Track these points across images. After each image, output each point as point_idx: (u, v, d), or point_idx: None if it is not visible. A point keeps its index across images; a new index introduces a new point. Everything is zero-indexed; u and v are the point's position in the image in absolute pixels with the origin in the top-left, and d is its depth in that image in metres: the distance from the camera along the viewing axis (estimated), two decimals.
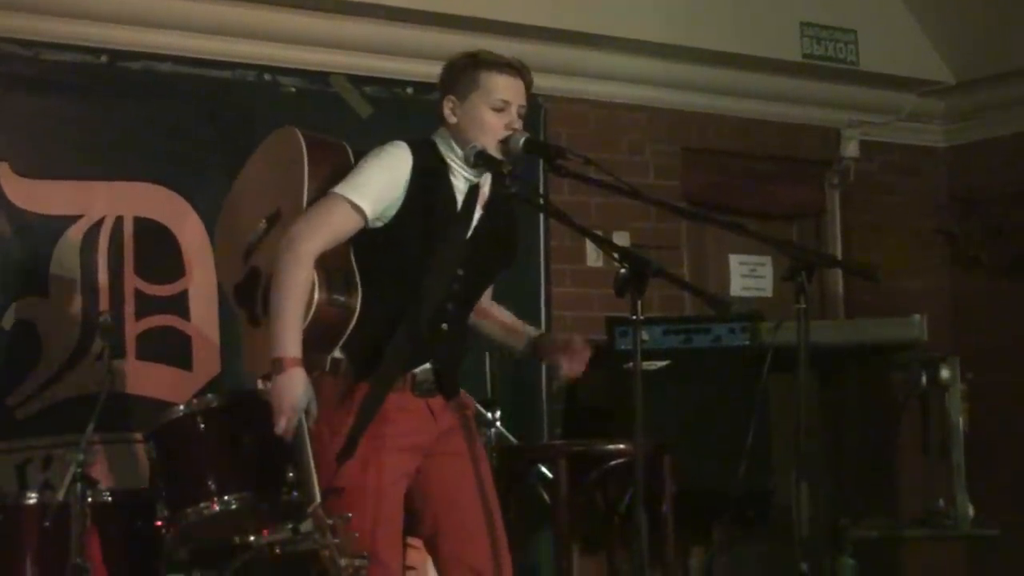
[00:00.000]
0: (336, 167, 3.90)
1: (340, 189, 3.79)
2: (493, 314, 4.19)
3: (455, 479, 3.98)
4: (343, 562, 3.46)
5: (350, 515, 3.54)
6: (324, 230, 3.77)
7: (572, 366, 4.04)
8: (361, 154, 3.93)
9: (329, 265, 3.79)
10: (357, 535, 3.52)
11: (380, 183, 3.81)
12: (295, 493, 4.40)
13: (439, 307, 3.86)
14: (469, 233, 3.91)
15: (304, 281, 3.73)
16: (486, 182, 3.96)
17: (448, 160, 3.90)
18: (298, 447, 3.70)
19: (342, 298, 3.80)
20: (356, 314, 3.80)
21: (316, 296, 3.75)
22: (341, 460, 3.70)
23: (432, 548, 4.03)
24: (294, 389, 3.68)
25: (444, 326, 3.90)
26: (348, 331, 3.80)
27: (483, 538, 3.97)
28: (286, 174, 3.97)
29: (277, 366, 3.69)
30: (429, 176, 3.84)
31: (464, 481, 3.99)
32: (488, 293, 4.19)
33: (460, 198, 3.90)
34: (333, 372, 3.83)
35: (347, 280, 3.82)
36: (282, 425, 3.70)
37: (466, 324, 4.06)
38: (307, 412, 3.71)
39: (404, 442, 3.85)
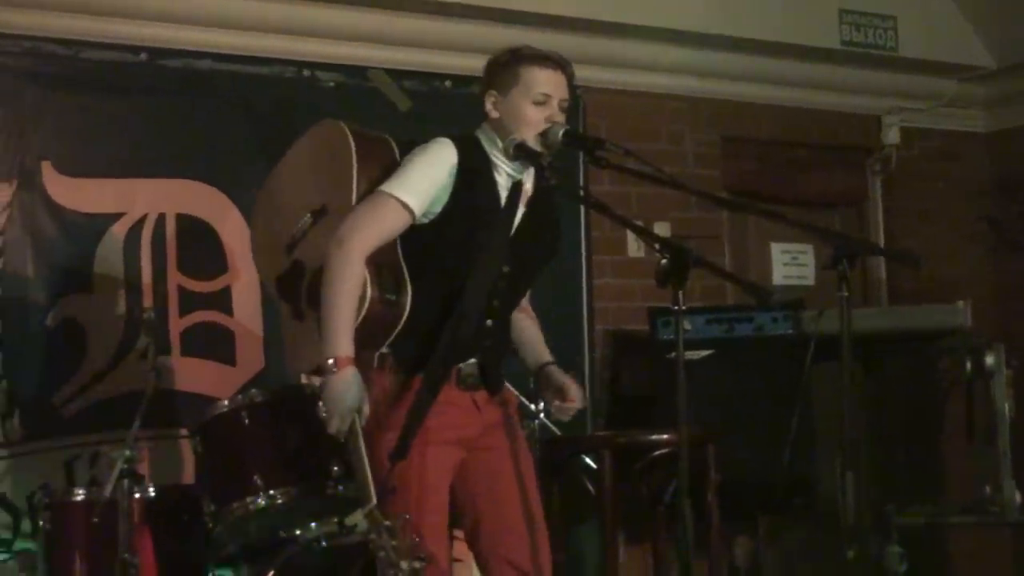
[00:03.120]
0: (384, 164, 3.91)
1: (388, 187, 3.81)
2: (520, 320, 4.18)
3: (496, 474, 4.00)
4: (403, 564, 3.44)
5: (408, 516, 3.53)
6: (374, 228, 3.79)
7: (560, 412, 4.06)
8: (405, 146, 3.93)
9: (379, 263, 3.80)
10: (416, 536, 3.51)
11: (427, 180, 3.82)
12: (340, 487, 4.41)
13: (485, 303, 3.87)
14: (513, 230, 3.92)
15: (355, 280, 3.74)
16: (529, 178, 3.96)
17: (491, 156, 3.90)
18: (352, 448, 3.69)
19: (393, 296, 3.81)
20: (407, 312, 3.81)
21: (368, 293, 3.76)
22: (394, 460, 3.70)
23: (472, 542, 4.05)
24: (348, 389, 3.69)
25: (489, 322, 3.91)
26: (398, 329, 3.81)
27: (523, 533, 3.99)
28: (332, 169, 3.97)
29: (331, 366, 3.69)
30: (473, 173, 3.85)
31: (505, 476, 4.01)
32: (526, 295, 4.20)
33: (504, 194, 3.90)
34: (381, 368, 3.84)
35: (397, 278, 3.83)
36: (335, 425, 3.71)
37: (509, 319, 4.07)
38: (359, 411, 3.72)
39: (449, 435, 3.86)
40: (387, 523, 3.49)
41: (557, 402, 4.05)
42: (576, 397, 4.04)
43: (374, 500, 3.58)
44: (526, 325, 4.19)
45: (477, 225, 3.85)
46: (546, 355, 4.16)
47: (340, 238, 3.77)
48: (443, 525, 3.92)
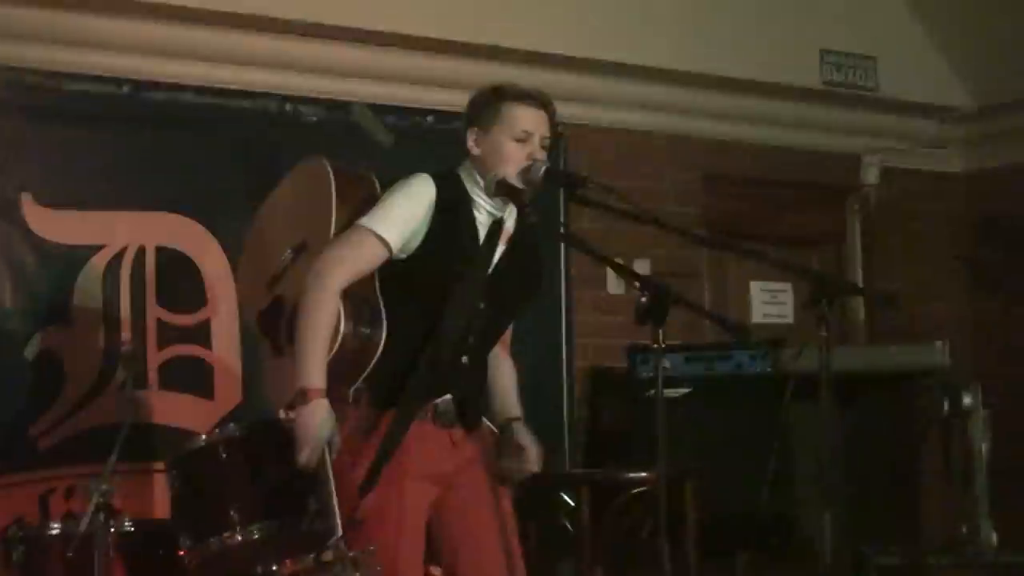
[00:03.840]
0: (364, 199, 3.92)
1: (366, 221, 3.81)
2: (497, 366, 4.14)
3: (474, 510, 3.98)
4: None
5: (373, 548, 3.54)
6: (350, 262, 3.79)
7: (514, 473, 4.03)
8: (388, 185, 3.94)
9: (355, 296, 3.80)
10: (380, 568, 3.51)
11: (405, 215, 3.82)
12: (317, 523, 4.39)
13: (460, 340, 3.87)
14: (491, 268, 3.92)
15: (329, 314, 3.74)
16: (510, 216, 3.96)
17: (471, 193, 3.91)
18: (320, 479, 3.70)
19: (368, 331, 3.81)
20: (381, 347, 3.80)
21: (343, 327, 3.76)
22: (363, 491, 3.70)
23: None
24: (318, 420, 3.69)
25: (464, 359, 3.91)
26: (372, 364, 3.80)
27: (501, 570, 3.97)
28: (313, 205, 3.99)
29: (301, 397, 3.70)
30: (452, 209, 3.85)
31: (483, 512, 3.99)
32: (508, 336, 4.19)
33: (482, 231, 3.90)
34: (355, 403, 3.84)
35: (373, 313, 3.83)
36: (305, 456, 3.71)
37: (487, 357, 4.06)
38: (330, 444, 3.71)
39: (425, 471, 3.85)
40: (351, 555, 3.49)
41: (514, 462, 4.02)
42: (533, 461, 4.02)
43: (340, 532, 3.58)
44: (503, 372, 4.15)
45: (455, 261, 3.84)
46: (515, 410, 4.12)
47: (317, 271, 3.78)
48: (419, 561, 3.91)
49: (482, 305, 3.89)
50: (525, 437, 4.04)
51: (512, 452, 4.03)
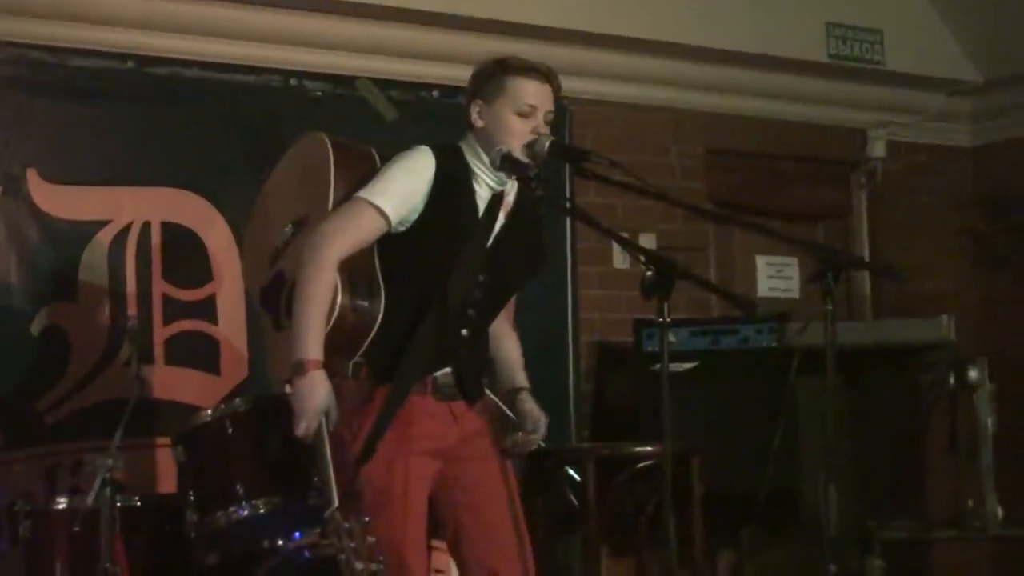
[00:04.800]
0: (363, 173, 3.90)
1: (364, 193, 3.80)
2: (500, 337, 4.14)
3: (478, 483, 3.98)
4: (359, 566, 3.45)
5: (367, 519, 3.54)
6: (348, 234, 3.78)
7: (518, 445, 4.01)
8: (389, 159, 3.93)
9: (353, 269, 3.80)
10: (374, 540, 3.51)
11: (403, 187, 3.81)
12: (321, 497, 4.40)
13: (460, 313, 3.86)
14: (490, 241, 3.91)
15: (326, 285, 3.73)
16: (510, 191, 3.96)
17: (473, 166, 3.90)
18: (317, 451, 3.69)
19: (365, 303, 3.80)
20: (379, 320, 3.80)
21: (340, 300, 3.75)
22: (360, 463, 3.69)
23: (455, 552, 4.04)
24: (315, 392, 3.68)
25: (464, 332, 3.90)
26: (371, 337, 3.80)
27: (507, 543, 3.97)
28: (313, 179, 3.98)
29: (298, 369, 3.69)
30: (451, 182, 3.84)
31: (487, 485, 3.99)
32: (511, 309, 4.18)
33: (482, 205, 3.89)
34: (354, 376, 3.84)
35: (370, 285, 3.82)
36: (302, 428, 3.70)
37: (487, 330, 4.05)
38: (327, 415, 3.71)
39: (427, 445, 3.85)
40: (347, 525, 3.50)
41: (520, 434, 4.01)
42: (539, 432, 4.01)
43: (335, 503, 3.58)
44: (506, 344, 4.15)
45: (453, 234, 3.83)
46: (520, 380, 4.12)
47: (314, 243, 3.77)
48: (423, 534, 3.91)
49: (481, 278, 3.88)
50: (532, 407, 4.03)
51: (518, 423, 4.02)
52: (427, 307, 3.80)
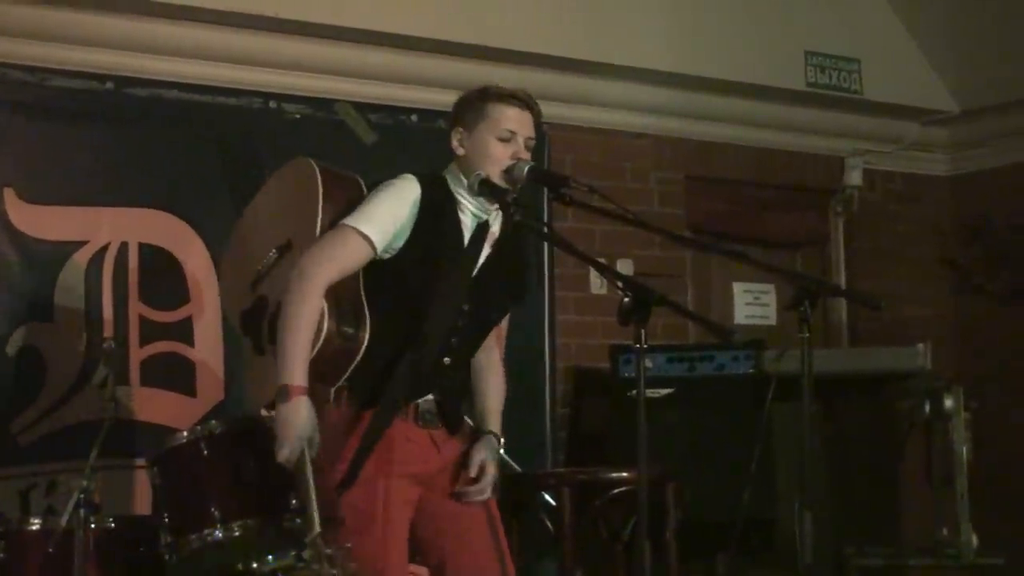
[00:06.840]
0: (349, 200, 3.92)
1: (350, 220, 3.81)
2: (484, 372, 4.13)
3: (463, 511, 3.99)
4: None
5: (349, 545, 3.54)
6: (334, 261, 3.79)
7: (464, 494, 3.98)
8: (374, 186, 3.94)
9: (339, 295, 3.80)
10: (355, 565, 3.51)
11: (389, 214, 3.82)
12: (298, 520, 4.39)
13: (443, 341, 3.87)
14: (475, 270, 3.92)
15: (312, 312, 3.74)
16: (496, 220, 3.97)
17: (456, 195, 3.91)
18: (300, 476, 3.70)
19: (351, 330, 3.81)
20: (364, 347, 3.80)
21: (326, 325, 3.76)
22: (342, 489, 3.70)
23: None
24: (299, 418, 3.68)
25: (447, 360, 3.91)
26: (355, 363, 3.80)
27: (491, 571, 3.98)
28: (299, 205, 3.99)
29: (283, 394, 3.69)
30: (436, 210, 3.86)
31: (472, 513, 4.00)
32: (502, 340, 4.18)
33: (467, 233, 3.91)
34: (336, 402, 3.84)
35: (356, 312, 3.83)
36: (285, 453, 3.70)
37: (470, 358, 4.06)
38: (310, 441, 3.71)
39: (407, 470, 3.86)
40: (328, 552, 3.49)
41: (469, 483, 3.98)
42: (486, 486, 3.98)
43: (317, 529, 3.58)
44: (492, 382, 4.15)
45: (438, 262, 3.84)
46: (492, 423, 4.09)
47: (301, 269, 3.78)
48: (404, 560, 3.91)
49: (466, 307, 3.90)
50: (481, 456, 3.99)
51: (469, 469, 4.00)
52: (411, 335, 3.81)
